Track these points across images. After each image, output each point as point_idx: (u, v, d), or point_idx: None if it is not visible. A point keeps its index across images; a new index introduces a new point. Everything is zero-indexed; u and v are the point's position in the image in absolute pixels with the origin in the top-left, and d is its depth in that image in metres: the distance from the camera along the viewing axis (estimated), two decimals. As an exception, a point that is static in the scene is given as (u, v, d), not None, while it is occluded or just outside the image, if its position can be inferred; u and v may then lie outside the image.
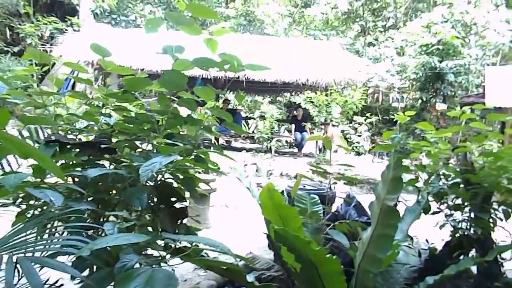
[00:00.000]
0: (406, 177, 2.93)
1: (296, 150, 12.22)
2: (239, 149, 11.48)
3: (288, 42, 14.64)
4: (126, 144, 1.97)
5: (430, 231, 2.98)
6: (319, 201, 2.82)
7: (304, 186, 3.68)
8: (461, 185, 2.81)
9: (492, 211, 2.72)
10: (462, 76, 12.57)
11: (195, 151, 1.96)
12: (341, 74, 10.79)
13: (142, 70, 7.83)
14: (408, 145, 2.79)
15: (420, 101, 13.13)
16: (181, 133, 2.21)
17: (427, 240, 3.23)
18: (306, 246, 1.45)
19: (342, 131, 13.39)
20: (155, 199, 1.91)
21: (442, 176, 2.93)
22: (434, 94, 12.58)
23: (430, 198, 2.88)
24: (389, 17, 17.73)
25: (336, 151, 12.42)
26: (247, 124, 14.93)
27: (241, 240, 4.00)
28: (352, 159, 11.90)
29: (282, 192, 2.88)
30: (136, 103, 2.19)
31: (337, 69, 11.02)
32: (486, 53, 13.63)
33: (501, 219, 2.69)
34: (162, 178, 2.00)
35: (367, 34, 18.35)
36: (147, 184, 1.85)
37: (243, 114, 14.95)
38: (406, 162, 2.87)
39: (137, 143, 2.05)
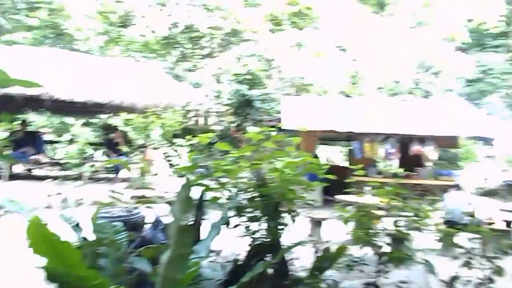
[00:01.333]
0: (209, 195, 3.09)
1: (113, 175, 11.45)
2: (43, 178, 9.96)
3: (103, 61, 13.82)
4: None
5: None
6: (123, 229, 2.65)
7: (111, 213, 3.43)
8: (257, 199, 3.15)
9: (282, 218, 3.15)
10: (267, 103, 14.47)
11: None
12: (159, 96, 10.81)
13: None
14: (210, 165, 2.97)
15: (234, 124, 14.40)
16: None
17: (233, 253, 3.46)
18: (83, 282, 1.32)
19: (164, 154, 13.34)
20: None
21: (242, 192, 3.22)
22: (245, 118, 14.03)
23: (233, 213, 3.11)
24: (205, 46, 18.99)
25: (156, 174, 12.25)
26: (54, 149, 13.17)
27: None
28: (174, 181, 11.93)
29: (77, 224, 2.59)
30: None
31: (156, 91, 11.00)
32: (284, 85, 16.16)
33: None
34: None
35: (187, 60, 19.13)
36: None
37: (47, 137, 13.14)
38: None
39: None
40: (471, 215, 6.32)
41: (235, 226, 3.05)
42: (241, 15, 16.80)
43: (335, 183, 5.87)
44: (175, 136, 13.08)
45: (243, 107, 13.92)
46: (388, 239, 4.24)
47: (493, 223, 7.39)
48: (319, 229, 6.34)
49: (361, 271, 3.68)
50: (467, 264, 3.20)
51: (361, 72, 20.31)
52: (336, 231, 3.99)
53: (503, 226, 7.46)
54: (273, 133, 2.97)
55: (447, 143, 11.38)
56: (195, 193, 3.06)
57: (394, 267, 3.63)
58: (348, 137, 12.48)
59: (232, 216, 3.09)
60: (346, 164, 14.73)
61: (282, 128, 8.68)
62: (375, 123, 10.50)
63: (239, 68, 14.70)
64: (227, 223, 2.87)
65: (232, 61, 15.43)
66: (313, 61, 16.72)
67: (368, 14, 16.91)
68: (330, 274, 3.30)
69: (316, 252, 3.30)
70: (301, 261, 3.41)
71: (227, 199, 3.04)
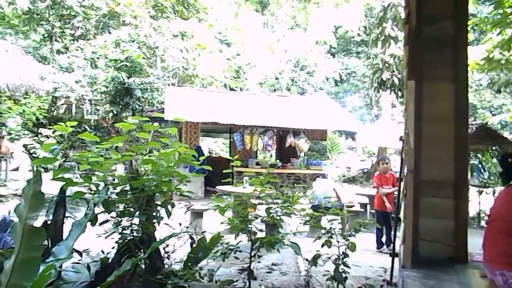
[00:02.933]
0: (73, 190, 2.80)
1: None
2: None
3: None
4: None
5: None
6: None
7: None
8: (129, 192, 2.97)
9: (156, 211, 3.03)
10: (148, 93, 13.82)
11: None
12: (16, 79, 9.34)
13: None
14: (73, 157, 2.69)
15: (111, 114, 13.38)
16: None
17: (102, 251, 3.21)
18: None
19: (25, 145, 11.63)
20: None
21: (111, 185, 2.99)
22: (124, 107, 13.15)
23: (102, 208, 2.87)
24: (78, 26, 17.12)
25: (17, 169, 10.64)
26: None
27: None
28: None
29: None
30: None
31: (14, 73, 9.47)
32: (167, 74, 15.65)
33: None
34: None
35: (55, 41, 16.95)
36: None
37: None
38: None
39: None
40: (335, 199, 7.13)
41: (103, 223, 2.82)
42: (121, -3, 15.64)
43: (217, 175, 5.96)
44: (40, 125, 11.53)
45: (122, 95, 13.03)
46: (262, 226, 4.48)
47: (353, 205, 8.50)
48: (200, 220, 6.36)
49: (236, 258, 3.82)
50: (327, 243, 3.57)
51: (244, 67, 21.03)
52: (217, 221, 4.06)
53: (359, 208, 8.62)
54: (148, 124, 2.82)
55: (317, 136, 12.60)
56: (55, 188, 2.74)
57: (267, 251, 3.85)
58: (230, 129, 12.82)
59: (100, 212, 2.86)
60: (227, 155, 15.13)
61: (165, 118, 8.39)
62: (255, 116, 11.00)
63: (117, 54, 13.66)
64: (93, 220, 2.64)
65: (110, 46, 14.26)
66: (197, 52, 16.59)
67: (250, 11, 17.49)
68: (206, 263, 3.33)
69: (192, 243, 3.29)
70: (179, 253, 3.37)
71: (93, 193, 2.79)
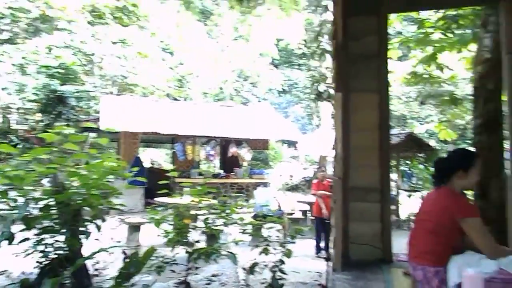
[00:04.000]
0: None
1: None
2: None
3: None
4: None
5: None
6: None
7: None
8: (53, 207, 2.78)
9: (84, 226, 2.87)
10: (84, 101, 13.12)
11: None
12: None
13: None
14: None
15: (42, 123, 12.49)
16: None
17: (23, 272, 2.97)
18: None
19: None
20: None
21: (34, 200, 2.78)
22: (56, 117, 12.35)
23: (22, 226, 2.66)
24: (4, 29, 15.86)
25: None
26: None
27: None
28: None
29: None
30: None
31: None
32: (105, 83, 15.00)
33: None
34: None
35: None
36: None
37: None
38: None
39: None
40: (276, 208, 7.26)
41: (23, 241, 2.61)
42: (54, 0, 14.76)
43: (157, 186, 5.78)
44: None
45: (54, 104, 12.23)
46: (202, 237, 4.43)
47: (294, 213, 8.71)
48: (137, 234, 6.12)
49: (173, 271, 3.72)
50: (264, 251, 3.62)
51: (187, 76, 20.82)
52: (155, 234, 3.93)
53: (300, 215, 8.86)
54: (76, 134, 2.67)
55: (259, 145, 12.79)
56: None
57: (205, 263, 3.80)
58: (172, 140, 12.57)
59: (22, 230, 2.64)
60: (170, 166, 14.78)
61: (100, 128, 8.01)
62: (198, 126, 10.90)
63: (49, 60, 12.84)
64: (9, 238, 2.43)
65: (42, 51, 13.36)
66: (138, 61, 16.14)
67: (193, 21, 17.43)
68: (139, 279, 3.21)
69: (125, 258, 3.15)
70: (111, 269, 3.21)
71: (12, 209, 2.58)
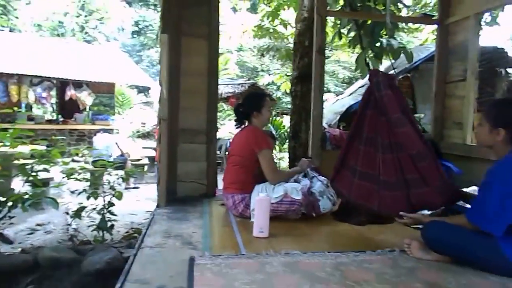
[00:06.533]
0: None
1: None
2: None
3: None
4: None
5: None
6: None
7: None
8: None
9: None
10: None
11: None
12: None
13: None
14: None
15: None
16: None
17: None
18: None
19: None
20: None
21: None
22: None
23: None
24: None
25: None
26: None
27: None
28: None
29: None
30: None
31: None
32: None
33: None
34: None
35: None
36: None
37: None
38: None
39: None
40: (118, 154, 7.03)
41: None
42: None
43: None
44: None
45: None
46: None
47: (141, 159, 8.60)
48: None
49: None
50: (93, 194, 3.52)
51: (14, 1, 17.29)
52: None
53: (147, 161, 8.81)
54: None
55: (104, 89, 11.78)
56: None
57: (24, 212, 3.49)
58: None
59: None
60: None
61: None
62: (25, 63, 9.34)
63: None
64: None
65: None
66: None
67: None
68: None
69: None
70: None
71: None
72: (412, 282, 1.67)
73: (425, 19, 4.80)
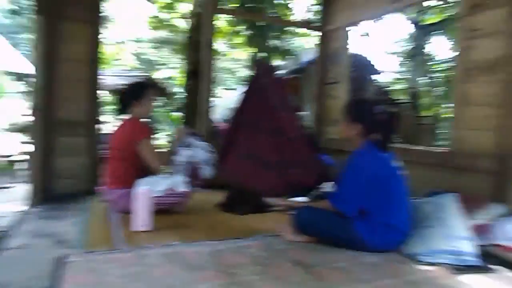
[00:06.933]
0: None
1: None
2: None
3: None
4: None
5: None
6: None
7: None
8: None
9: None
10: None
11: None
12: None
13: None
14: None
15: None
16: None
17: None
18: None
19: None
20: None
21: None
22: None
23: None
24: None
25: None
26: None
27: None
28: None
29: None
30: None
31: None
32: None
33: None
34: None
35: None
36: None
37: None
38: None
39: None
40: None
41: None
42: None
43: None
44: None
45: None
46: None
47: (12, 155, 7.60)
48: None
49: None
50: None
51: None
52: None
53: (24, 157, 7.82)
54: None
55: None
56: None
57: None
58: None
59: None
60: None
61: None
62: None
63: None
64: None
65: None
66: None
67: None
68: None
69: None
70: None
71: None
72: (283, 261, 1.83)
73: (307, 24, 5.22)
